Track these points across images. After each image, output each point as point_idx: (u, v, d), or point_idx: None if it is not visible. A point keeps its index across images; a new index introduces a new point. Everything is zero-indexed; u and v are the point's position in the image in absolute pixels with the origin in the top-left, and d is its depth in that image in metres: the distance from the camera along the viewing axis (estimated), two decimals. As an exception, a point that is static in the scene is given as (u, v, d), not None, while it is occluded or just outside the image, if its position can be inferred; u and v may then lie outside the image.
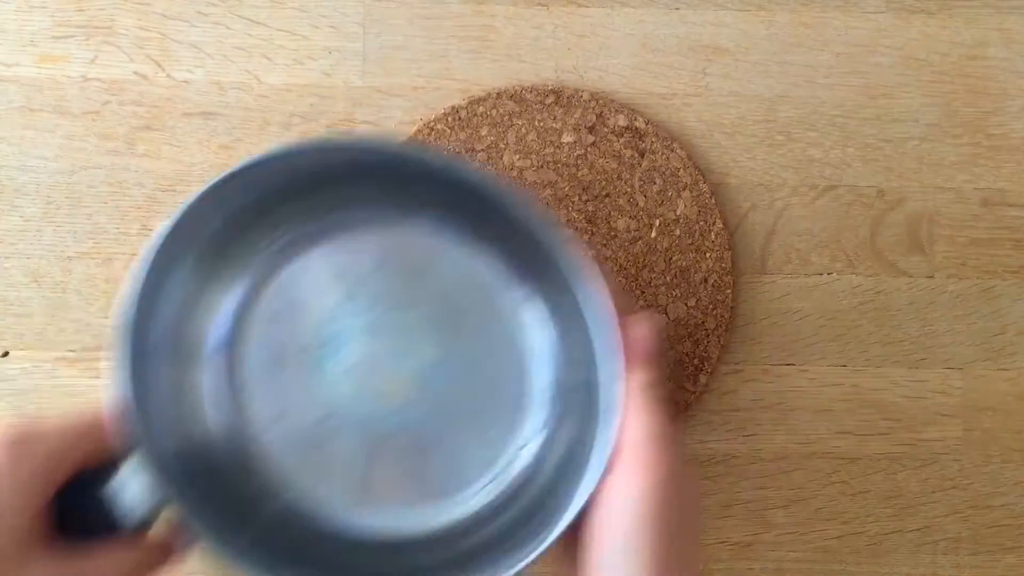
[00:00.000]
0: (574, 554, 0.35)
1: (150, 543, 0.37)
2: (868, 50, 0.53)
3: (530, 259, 0.41)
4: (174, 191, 0.52)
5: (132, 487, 0.35)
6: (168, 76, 0.52)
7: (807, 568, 0.51)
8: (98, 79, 0.52)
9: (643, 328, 0.35)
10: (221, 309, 0.42)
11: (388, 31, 0.53)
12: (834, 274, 0.52)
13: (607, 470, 0.34)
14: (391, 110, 0.52)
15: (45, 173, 0.52)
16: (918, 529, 0.52)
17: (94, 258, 0.51)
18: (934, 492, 0.52)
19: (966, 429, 0.52)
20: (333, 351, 0.42)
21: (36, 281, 0.51)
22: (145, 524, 0.36)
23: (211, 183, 0.36)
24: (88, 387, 0.50)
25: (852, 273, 0.52)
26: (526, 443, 0.43)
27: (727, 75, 0.53)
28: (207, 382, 0.42)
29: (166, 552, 0.37)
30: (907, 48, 0.53)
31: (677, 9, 0.53)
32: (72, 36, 0.52)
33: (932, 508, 0.52)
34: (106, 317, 0.51)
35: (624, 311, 0.35)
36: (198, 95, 0.52)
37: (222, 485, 0.41)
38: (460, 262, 0.43)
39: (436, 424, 0.43)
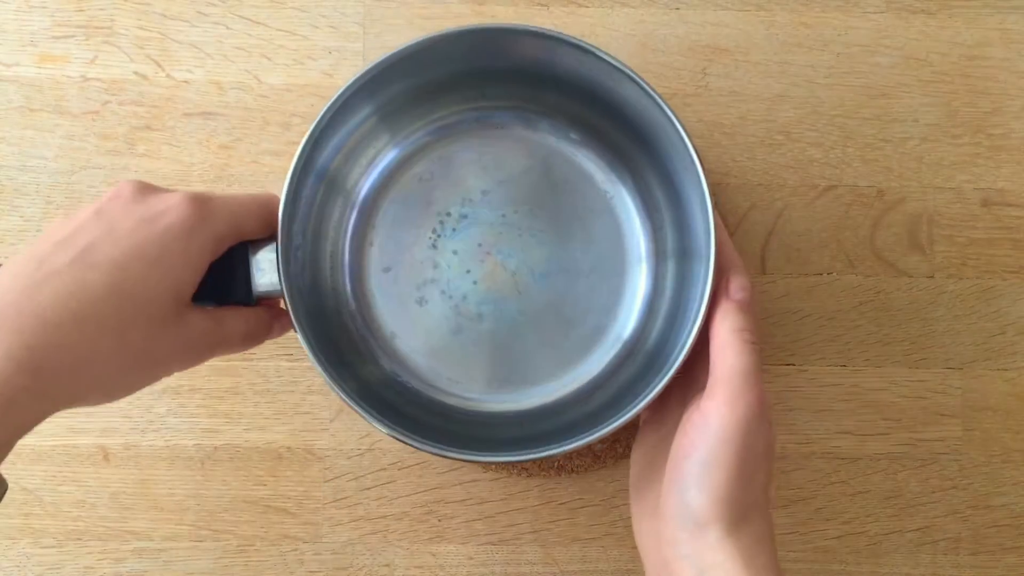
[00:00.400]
0: (650, 476, 0.41)
1: (265, 313, 0.42)
2: (868, 50, 0.53)
3: (633, 153, 0.48)
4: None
5: (267, 265, 0.41)
6: (168, 76, 0.52)
7: (807, 568, 0.51)
8: (98, 79, 0.52)
9: (742, 279, 0.40)
10: (379, 161, 0.49)
11: (388, 31, 0.53)
12: (834, 274, 0.52)
13: (711, 304, 0.40)
14: (391, 110, 0.52)
15: (45, 173, 0.52)
16: (918, 529, 0.52)
17: (94, 258, 0.51)
18: (934, 492, 0.52)
19: (966, 429, 0.52)
20: (457, 230, 0.48)
21: (36, 281, 0.51)
22: (267, 297, 0.42)
23: (404, 47, 0.42)
24: (88, 387, 0.50)
25: (852, 273, 0.52)
26: (628, 315, 0.49)
27: (727, 75, 0.53)
28: (347, 218, 0.49)
29: (275, 323, 0.43)
30: (907, 48, 0.53)
31: (677, 9, 0.53)
32: (72, 36, 0.52)
33: (932, 508, 0.52)
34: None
35: (729, 257, 0.41)
36: (198, 95, 0.52)
37: (334, 328, 0.48)
38: (578, 162, 0.49)
39: (521, 320, 0.49)
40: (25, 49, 0.52)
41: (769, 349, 0.52)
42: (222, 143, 0.52)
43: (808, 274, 0.52)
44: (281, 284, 0.41)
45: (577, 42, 0.42)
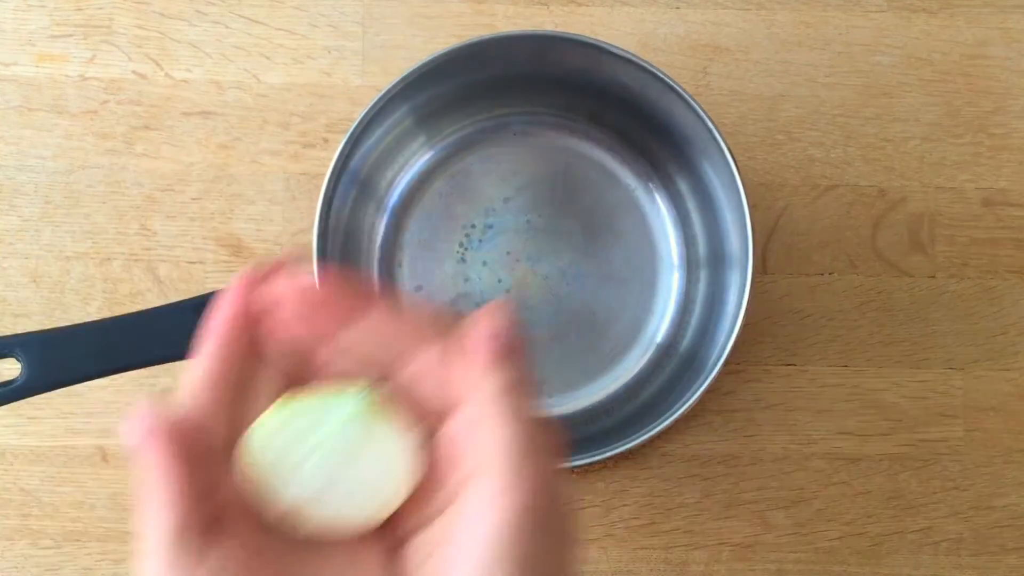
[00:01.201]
0: None
1: None
2: (869, 49, 0.53)
3: (664, 159, 0.49)
4: (172, 191, 0.52)
5: None
6: (167, 75, 0.52)
7: (808, 569, 0.51)
8: (96, 78, 0.52)
9: (493, 319, 0.28)
10: (407, 171, 0.49)
11: (388, 30, 0.52)
12: (835, 274, 0.52)
13: (745, 311, 0.39)
14: (390, 109, 0.52)
15: (43, 173, 0.52)
16: (919, 530, 0.51)
17: (92, 258, 0.51)
18: (935, 493, 0.52)
19: (967, 429, 0.52)
20: (483, 240, 0.49)
21: (35, 281, 0.51)
22: None
23: (441, 52, 0.42)
24: (87, 388, 0.50)
25: (853, 273, 0.52)
26: (660, 320, 0.49)
27: (728, 74, 0.53)
28: (376, 230, 0.49)
29: None
30: (908, 47, 0.53)
31: (677, 8, 0.53)
32: (70, 35, 0.52)
33: (933, 509, 0.51)
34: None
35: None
36: (197, 94, 0.52)
37: None
38: (602, 163, 0.50)
39: (557, 325, 0.49)
40: (23, 48, 0.52)
41: (770, 350, 0.52)
42: (221, 142, 0.52)
43: (809, 274, 0.52)
44: None
45: (620, 52, 0.42)
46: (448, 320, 0.29)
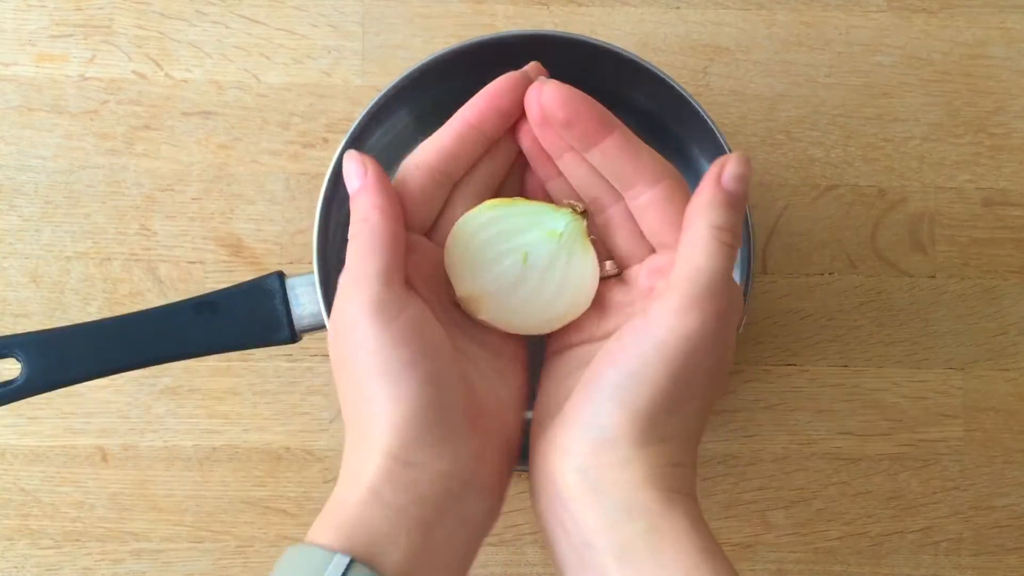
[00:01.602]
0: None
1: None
2: (869, 49, 0.53)
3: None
4: (172, 190, 0.52)
5: (305, 298, 0.40)
6: (167, 75, 0.52)
7: (808, 569, 0.51)
8: (96, 78, 0.52)
9: (742, 168, 0.32)
10: None
11: (387, 30, 0.52)
12: (835, 274, 0.52)
13: (745, 311, 0.38)
14: (390, 109, 0.52)
15: (43, 173, 0.52)
16: (919, 530, 0.51)
17: (92, 258, 0.51)
18: (935, 493, 0.52)
19: (967, 429, 0.52)
20: None
21: (35, 281, 0.51)
22: (309, 331, 0.40)
23: (441, 52, 0.42)
24: (87, 388, 0.50)
25: (853, 273, 0.52)
26: None
27: (728, 74, 0.53)
28: None
29: None
30: (908, 47, 0.53)
31: (677, 8, 0.53)
32: (70, 35, 0.52)
33: (934, 509, 0.51)
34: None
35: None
36: (197, 94, 0.52)
37: None
38: None
39: None
40: (23, 48, 0.52)
41: (770, 350, 0.52)
42: (221, 142, 0.52)
43: (809, 274, 0.52)
44: (325, 316, 0.40)
45: (620, 52, 0.42)
46: (671, 166, 0.33)
